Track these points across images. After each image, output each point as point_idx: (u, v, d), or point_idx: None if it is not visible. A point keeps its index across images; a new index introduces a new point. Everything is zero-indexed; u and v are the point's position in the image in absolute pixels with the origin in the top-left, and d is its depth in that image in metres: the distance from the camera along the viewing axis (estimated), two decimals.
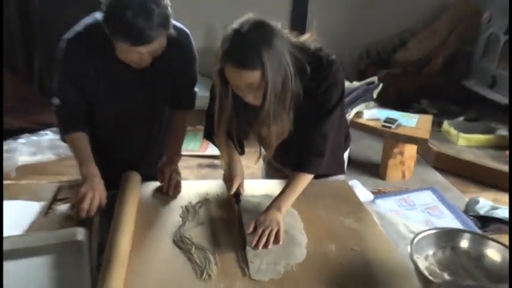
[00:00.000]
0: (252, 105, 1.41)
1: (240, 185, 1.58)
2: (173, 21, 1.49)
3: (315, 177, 1.70)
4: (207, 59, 5.19)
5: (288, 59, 1.32)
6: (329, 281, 1.21)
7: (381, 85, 3.73)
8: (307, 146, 1.50)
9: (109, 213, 1.43)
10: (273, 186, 1.64)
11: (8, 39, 4.08)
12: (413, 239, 1.25)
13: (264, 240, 1.33)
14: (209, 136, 1.69)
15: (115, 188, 1.56)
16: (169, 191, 1.59)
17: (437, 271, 1.23)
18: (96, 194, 1.45)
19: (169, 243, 1.33)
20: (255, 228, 1.37)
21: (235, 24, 1.31)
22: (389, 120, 3.34)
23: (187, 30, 1.67)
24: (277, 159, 1.76)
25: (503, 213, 2.59)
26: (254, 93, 1.34)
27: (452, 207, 2.69)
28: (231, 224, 1.45)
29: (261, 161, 1.99)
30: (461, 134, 3.79)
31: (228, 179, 1.58)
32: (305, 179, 1.52)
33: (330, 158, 1.56)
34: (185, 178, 1.64)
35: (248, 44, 1.27)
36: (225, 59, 1.29)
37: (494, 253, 1.24)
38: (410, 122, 3.41)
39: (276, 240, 1.36)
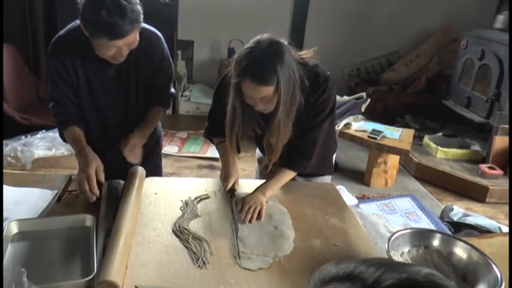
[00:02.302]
0: (256, 113, 1.45)
1: (235, 182, 1.60)
2: (145, 25, 1.52)
3: (305, 176, 1.73)
4: (211, 69, 5.22)
5: (295, 73, 1.35)
6: (313, 271, 1.21)
7: (369, 100, 3.76)
8: (299, 149, 1.53)
9: (115, 203, 1.44)
10: None
11: (33, 47, 4.13)
12: (391, 237, 1.26)
13: (249, 216, 1.42)
14: (209, 136, 1.71)
15: (109, 172, 1.55)
16: (128, 156, 1.62)
17: None
18: (90, 171, 1.43)
19: (169, 232, 1.34)
20: (242, 206, 1.46)
21: (251, 43, 1.34)
22: (375, 132, 3.36)
23: (159, 34, 1.65)
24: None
25: (474, 220, 2.61)
26: (265, 104, 1.38)
27: (429, 213, 2.70)
28: (225, 217, 1.46)
29: (256, 163, 2.00)
30: (440, 148, 3.81)
31: (225, 177, 1.60)
32: (290, 174, 1.60)
33: (317, 160, 1.61)
34: (186, 177, 1.65)
35: (266, 61, 1.30)
36: (244, 74, 1.31)
37: (461, 251, 1.26)
38: (394, 134, 3.43)
39: (259, 216, 1.45)
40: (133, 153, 1.61)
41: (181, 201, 1.53)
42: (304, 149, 1.55)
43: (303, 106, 1.44)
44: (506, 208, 3.25)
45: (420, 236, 1.32)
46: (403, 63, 5.14)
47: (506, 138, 3.53)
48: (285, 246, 1.32)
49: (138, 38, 1.47)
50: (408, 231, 1.32)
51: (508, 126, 3.49)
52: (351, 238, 1.41)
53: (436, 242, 1.30)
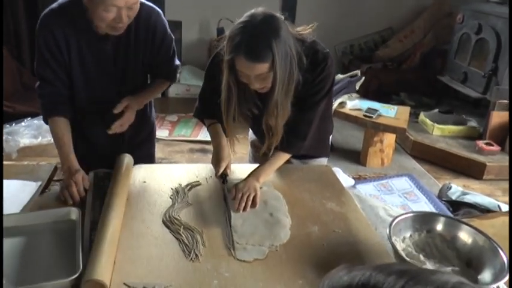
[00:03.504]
0: (252, 92, 1.39)
1: (227, 167, 1.54)
2: (145, 1, 1.47)
3: (301, 158, 1.67)
4: (200, 50, 5.08)
5: (292, 49, 1.29)
6: (312, 260, 1.16)
7: (363, 78, 3.69)
8: (293, 129, 1.47)
9: (101, 194, 1.37)
10: None
11: (14, 33, 3.99)
12: (392, 222, 1.21)
13: (243, 204, 1.36)
14: (200, 116, 1.65)
15: (101, 164, 1.51)
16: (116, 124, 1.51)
17: (414, 252, 1.21)
18: (78, 178, 1.39)
19: (159, 223, 1.28)
20: (236, 194, 1.39)
21: (245, 17, 1.27)
22: (370, 111, 3.30)
23: (158, 10, 1.57)
24: (262, 143, 1.73)
25: (473, 198, 2.58)
26: (260, 82, 1.31)
27: (427, 192, 2.66)
28: (218, 205, 1.40)
29: (249, 146, 1.94)
30: (436, 125, 3.76)
31: (216, 161, 1.53)
32: (284, 157, 1.54)
33: (312, 141, 1.55)
34: (177, 162, 1.58)
35: (260, 37, 1.23)
36: (237, 51, 1.25)
37: (465, 236, 1.21)
38: (390, 112, 3.37)
39: (253, 204, 1.38)
40: (125, 117, 1.51)
41: (172, 189, 1.47)
42: (298, 130, 1.49)
43: (301, 84, 1.37)
44: (504, 185, 3.23)
45: (422, 220, 1.27)
46: (397, 39, 5.06)
47: (503, 114, 3.49)
48: (282, 235, 1.26)
49: (138, 6, 1.37)
50: (410, 215, 1.27)
51: (506, 101, 3.44)
52: (350, 223, 1.36)
53: (439, 226, 1.25)
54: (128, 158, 1.56)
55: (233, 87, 1.36)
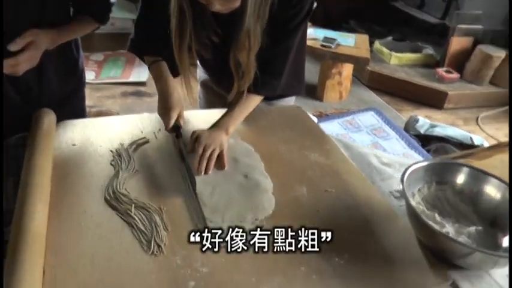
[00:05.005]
0: (209, 15, 1.08)
1: (179, 116, 1.22)
2: None
3: (267, 98, 1.40)
4: None
5: None
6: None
7: (315, 4, 3.39)
8: (266, 65, 1.18)
9: (16, 168, 1.03)
10: (217, 116, 1.26)
11: None
12: (403, 175, 0.99)
13: (204, 163, 1.09)
14: (138, 52, 1.31)
15: (15, 132, 1.17)
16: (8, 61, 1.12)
17: (427, 211, 1.01)
18: None
19: (101, 203, 0.96)
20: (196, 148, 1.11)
21: None
22: (328, 40, 3.05)
23: None
24: (221, 83, 1.46)
25: (443, 131, 2.47)
26: (223, 1, 0.98)
27: (396, 127, 2.50)
28: (175, 169, 1.11)
29: (198, 87, 1.63)
30: (394, 53, 3.61)
31: (164, 110, 1.20)
32: (256, 100, 1.28)
33: (288, 77, 1.29)
34: (109, 109, 1.27)
35: None
36: None
37: (492, 189, 1.02)
38: (348, 41, 3.14)
39: (220, 164, 1.12)
40: (23, 55, 1.12)
41: (112, 151, 1.15)
42: (273, 65, 1.21)
43: (276, 6, 1.06)
44: (465, 113, 3.21)
45: (436, 170, 1.06)
46: None
47: (463, 39, 3.41)
48: (265, 203, 1.00)
49: None
50: (422, 164, 1.05)
51: (466, 26, 3.34)
52: (342, 178, 1.13)
53: (460, 178, 1.05)
54: (47, 115, 1.21)
55: (186, 9, 1.02)
